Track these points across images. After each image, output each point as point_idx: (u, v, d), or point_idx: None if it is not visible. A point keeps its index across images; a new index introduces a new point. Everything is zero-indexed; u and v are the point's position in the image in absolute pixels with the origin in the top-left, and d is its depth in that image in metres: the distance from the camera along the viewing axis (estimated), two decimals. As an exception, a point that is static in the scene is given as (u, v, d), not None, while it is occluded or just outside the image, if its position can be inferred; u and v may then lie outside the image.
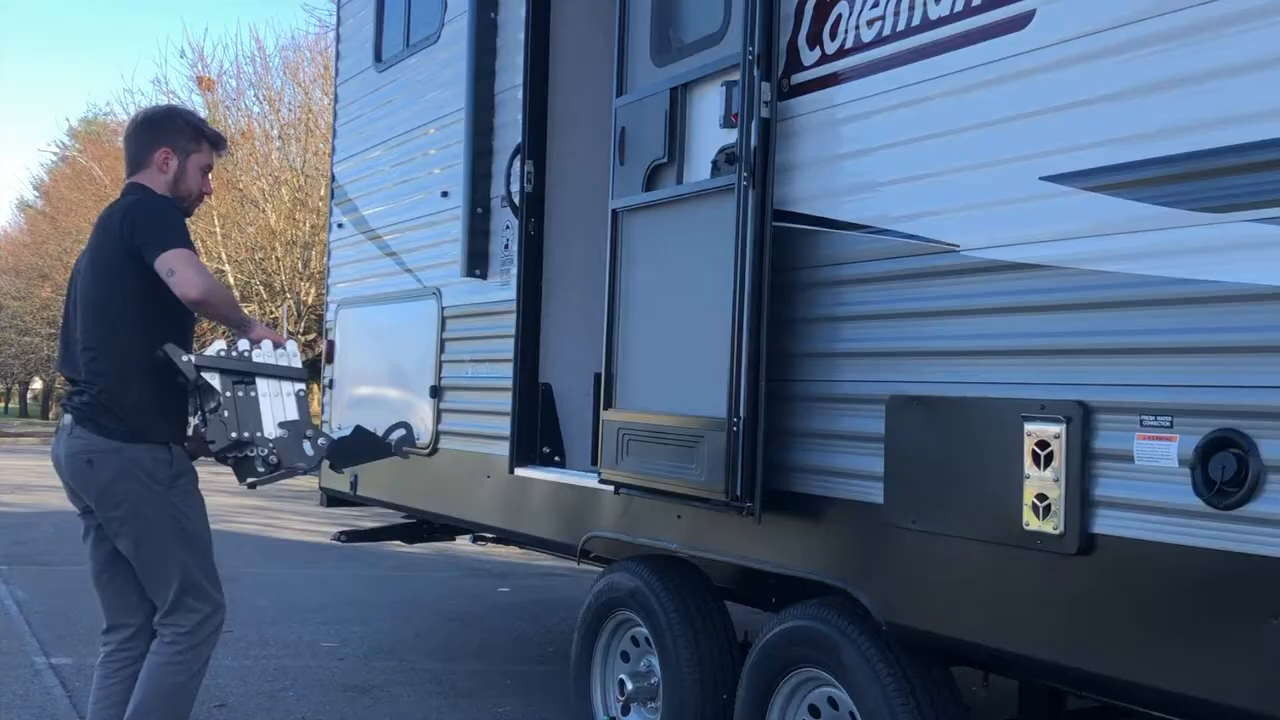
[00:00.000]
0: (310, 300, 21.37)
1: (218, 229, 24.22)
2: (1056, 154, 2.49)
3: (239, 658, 5.55)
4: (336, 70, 6.49)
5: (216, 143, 3.64)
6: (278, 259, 22.34)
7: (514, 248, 4.54)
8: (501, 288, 4.64)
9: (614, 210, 3.75)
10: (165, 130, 3.53)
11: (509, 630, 6.65)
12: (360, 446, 3.72)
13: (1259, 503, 2.12)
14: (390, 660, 5.79)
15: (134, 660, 3.48)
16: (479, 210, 4.73)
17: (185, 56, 46.05)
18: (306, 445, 3.36)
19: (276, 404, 3.34)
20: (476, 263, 4.73)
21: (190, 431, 3.44)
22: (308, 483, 7.29)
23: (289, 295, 21.63)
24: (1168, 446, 2.27)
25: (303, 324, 21.01)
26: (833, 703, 3.10)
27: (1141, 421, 2.32)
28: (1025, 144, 2.56)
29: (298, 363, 3.42)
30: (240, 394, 3.28)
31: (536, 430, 4.47)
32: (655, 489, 3.54)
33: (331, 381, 6.03)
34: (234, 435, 3.26)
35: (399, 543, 6.15)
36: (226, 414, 3.26)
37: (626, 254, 3.73)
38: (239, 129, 24.67)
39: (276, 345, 3.39)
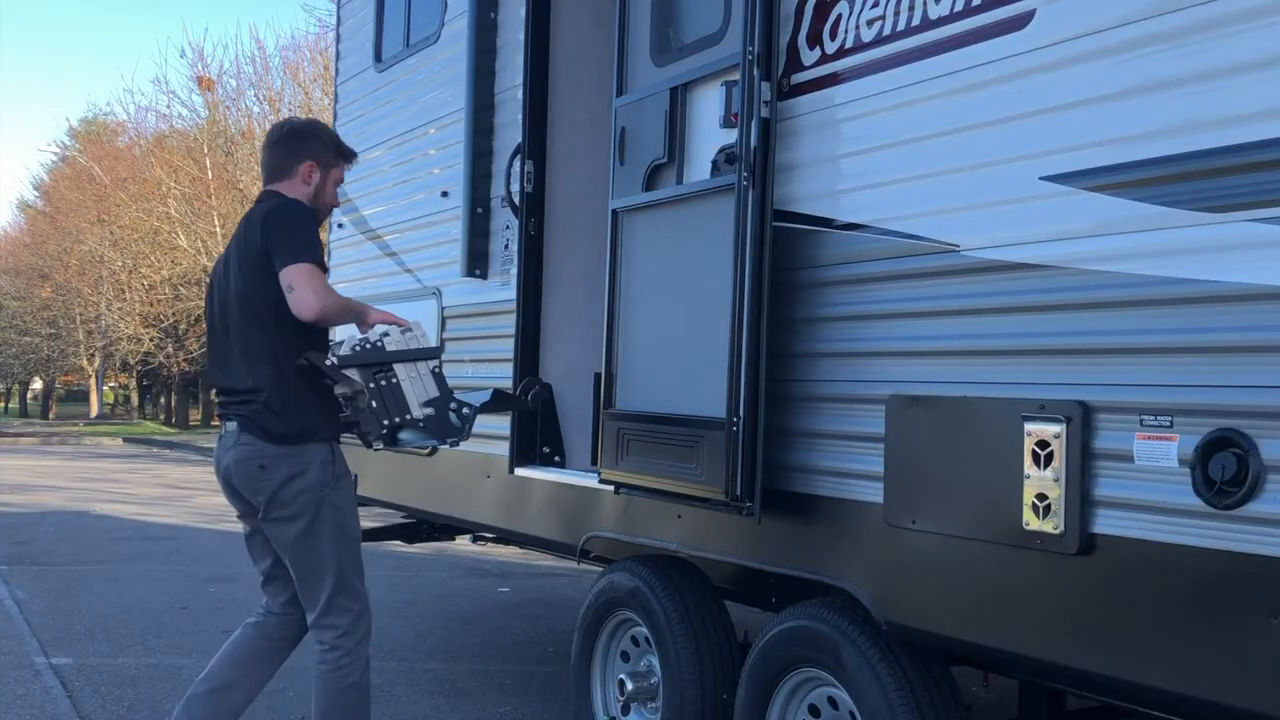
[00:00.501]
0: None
1: (218, 229, 24.24)
2: (1056, 154, 2.49)
3: (239, 658, 5.53)
4: (336, 70, 6.49)
5: (349, 158, 3.78)
6: (278, 259, 22.33)
7: (514, 248, 4.54)
8: (501, 288, 4.64)
9: (614, 210, 3.75)
10: (311, 144, 3.65)
11: (509, 630, 6.65)
12: (500, 406, 3.92)
13: (1259, 503, 2.12)
14: (390, 660, 5.78)
15: (280, 632, 3.63)
16: (479, 210, 4.74)
17: (185, 56, 46.23)
18: (453, 417, 3.53)
19: (417, 385, 3.48)
20: (476, 263, 4.73)
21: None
22: (308, 483, 7.30)
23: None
24: (1168, 446, 2.27)
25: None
26: (833, 703, 3.10)
27: (1141, 421, 2.32)
28: (1025, 144, 2.56)
29: (427, 341, 3.57)
30: (383, 383, 3.43)
31: (536, 430, 4.47)
32: (655, 489, 3.54)
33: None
34: (385, 423, 3.40)
35: (399, 543, 6.14)
36: (374, 404, 3.40)
37: (626, 254, 3.73)
38: (239, 129, 24.69)
39: (404, 330, 3.51)
